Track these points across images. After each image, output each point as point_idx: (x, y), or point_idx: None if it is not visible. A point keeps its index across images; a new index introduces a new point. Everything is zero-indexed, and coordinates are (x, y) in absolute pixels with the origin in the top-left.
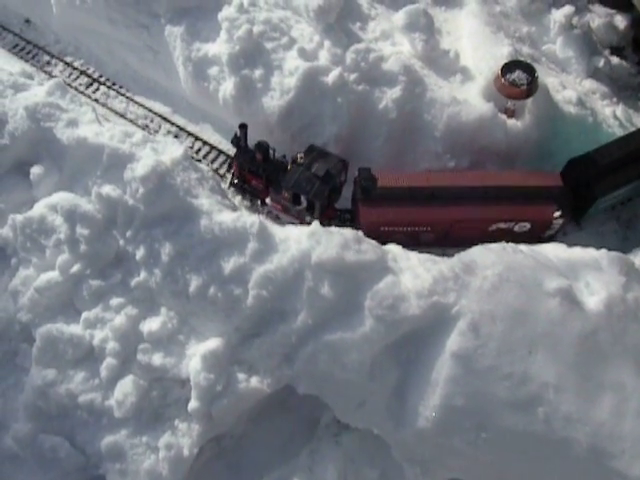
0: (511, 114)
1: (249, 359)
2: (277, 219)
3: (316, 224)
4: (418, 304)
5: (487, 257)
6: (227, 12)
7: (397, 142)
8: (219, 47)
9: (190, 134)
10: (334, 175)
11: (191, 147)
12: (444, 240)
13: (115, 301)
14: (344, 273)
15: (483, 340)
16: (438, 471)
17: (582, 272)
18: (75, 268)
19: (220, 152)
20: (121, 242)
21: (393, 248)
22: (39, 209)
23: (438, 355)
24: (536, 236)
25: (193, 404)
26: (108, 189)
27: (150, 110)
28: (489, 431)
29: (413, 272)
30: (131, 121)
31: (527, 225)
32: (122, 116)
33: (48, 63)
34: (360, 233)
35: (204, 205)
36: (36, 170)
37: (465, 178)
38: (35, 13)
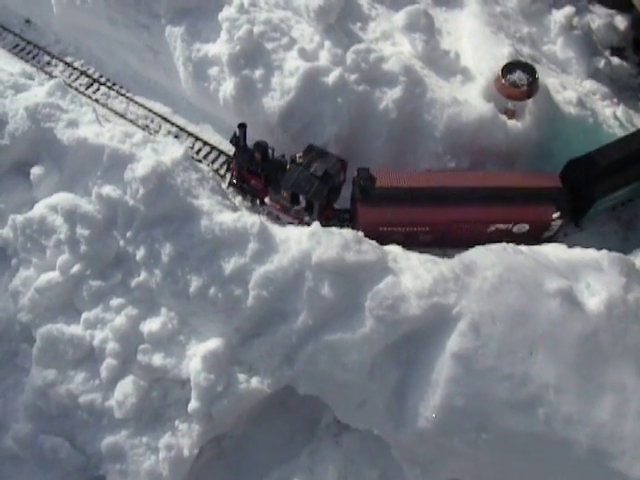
0: (511, 115)
1: (249, 359)
2: (277, 219)
3: (316, 225)
4: (418, 304)
5: (487, 258)
6: (227, 12)
7: (397, 142)
8: (219, 47)
9: (190, 134)
10: (333, 175)
11: (191, 147)
12: (442, 241)
13: (115, 301)
14: (344, 273)
15: (483, 341)
16: (438, 472)
17: (583, 273)
18: (75, 268)
19: (220, 152)
20: (121, 242)
21: (393, 248)
22: (39, 209)
23: (438, 356)
24: (534, 237)
25: (193, 404)
26: (108, 189)
27: (150, 110)
28: (489, 432)
29: (413, 272)
30: (131, 121)
31: (526, 226)
32: (122, 116)
33: (48, 63)
34: (360, 233)
35: (204, 205)
36: (36, 170)
37: (464, 179)
38: (35, 13)
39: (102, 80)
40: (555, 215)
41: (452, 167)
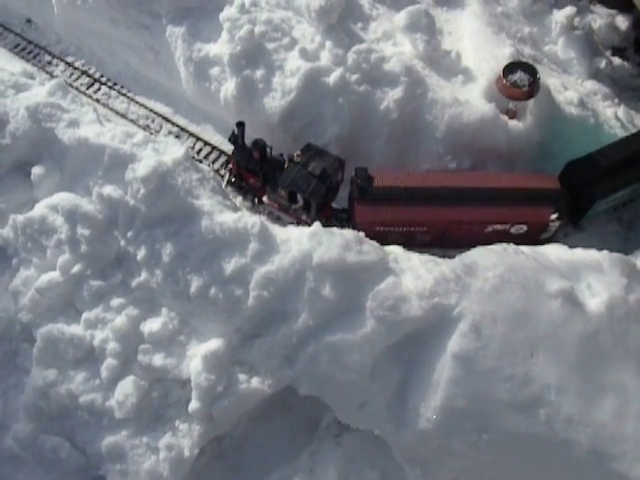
0: (512, 115)
1: (250, 360)
2: (278, 220)
3: (317, 225)
4: (419, 305)
5: (488, 258)
6: (228, 12)
7: (398, 143)
8: (220, 47)
9: (191, 134)
10: (331, 174)
11: (192, 147)
12: (440, 241)
13: (116, 301)
14: (345, 274)
15: (484, 341)
16: (439, 472)
17: (584, 273)
18: (76, 268)
19: (221, 152)
20: (122, 242)
21: (394, 249)
22: (40, 209)
23: (439, 356)
24: (532, 238)
25: (194, 405)
26: (109, 189)
27: (151, 110)
28: (490, 433)
29: (414, 273)
30: (132, 121)
31: (523, 227)
32: (123, 116)
33: (49, 63)
34: (361, 234)
35: (205, 206)
36: (37, 170)
37: (462, 179)
38: (36, 13)
39: (103, 80)
40: (553, 216)
41: (453, 167)
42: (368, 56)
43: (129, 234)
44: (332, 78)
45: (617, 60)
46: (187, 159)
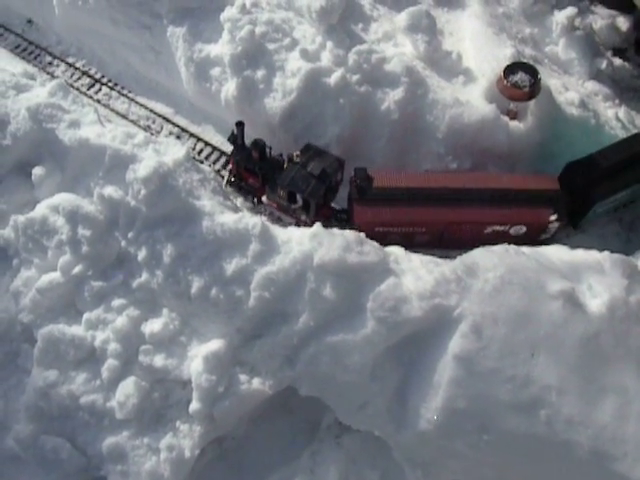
0: (513, 116)
1: (251, 360)
2: (279, 220)
3: (318, 226)
4: (420, 306)
5: (489, 259)
6: (229, 13)
7: (399, 143)
8: (221, 48)
9: (192, 135)
10: (330, 174)
11: (193, 148)
12: (439, 242)
13: (117, 302)
14: (346, 275)
15: (485, 342)
16: (440, 473)
17: (585, 274)
18: (77, 269)
19: (222, 153)
20: (123, 243)
21: (395, 250)
22: (41, 210)
23: (440, 357)
24: (532, 239)
25: (195, 405)
26: (110, 190)
27: (152, 111)
28: (491, 433)
29: (415, 274)
30: (133, 122)
31: (523, 228)
32: (124, 117)
33: (50, 64)
34: (362, 235)
35: (206, 206)
36: (38, 171)
37: (461, 180)
38: (37, 14)
39: (104, 80)
40: (552, 217)
41: (454, 168)
42: (369, 57)
43: (130, 235)
44: (333, 79)
45: (618, 61)
46: (188, 160)
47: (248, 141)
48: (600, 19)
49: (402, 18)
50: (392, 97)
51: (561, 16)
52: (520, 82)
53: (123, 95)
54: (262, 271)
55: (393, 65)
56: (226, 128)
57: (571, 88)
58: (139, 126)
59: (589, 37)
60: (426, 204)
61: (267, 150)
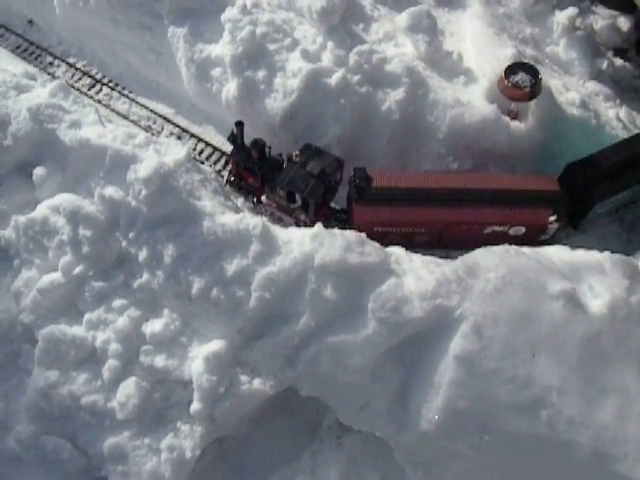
0: (514, 116)
1: (252, 361)
2: (280, 221)
3: (319, 226)
4: (421, 306)
5: (490, 260)
6: (230, 13)
7: (400, 143)
8: (222, 48)
9: (193, 135)
10: (329, 174)
11: (194, 148)
12: (438, 242)
13: (118, 302)
14: (347, 275)
15: (486, 343)
16: (441, 474)
17: (585, 275)
18: (78, 269)
19: (223, 153)
20: (124, 244)
21: (396, 250)
22: (42, 210)
23: (441, 358)
24: (531, 240)
25: (195, 406)
26: (111, 190)
27: (153, 111)
28: (492, 434)
29: (416, 274)
30: (134, 122)
31: (522, 229)
32: (125, 117)
33: (51, 64)
34: (363, 235)
35: (207, 207)
36: (39, 171)
37: (461, 180)
38: (38, 14)
39: (105, 81)
40: (552, 218)
41: (455, 168)
42: (370, 57)
43: (131, 235)
44: (334, 79)
45: (619, 61)
46: (189, 160)
47: (248, 141)
48: (601, 19)
49: (403, 18)
50: (393, 97)
51: (562, 16)
52: (521, 82)
53: (124, 95)
54: (263, 271)
55: (394, 65)
56: (227, 128)
57: (572, 88)
58: (140, 126)
59: (590, 37)
60: (425, 204)
61: (266, 150)
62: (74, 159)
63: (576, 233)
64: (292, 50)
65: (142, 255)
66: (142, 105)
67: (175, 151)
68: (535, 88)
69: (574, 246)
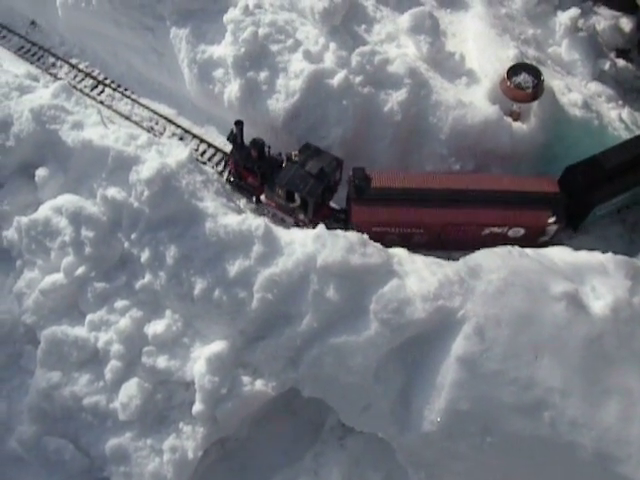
0: (516, 117)
1: (254, 362)
2: (282, 222)
3: (321, 227)
4: (423, 308)
5: (493, 261)
6: (232, 14)
7: (402, 144)
8: (224, 49)
9: (195, 136)
10: (328, 173)
11: (196, 149)
12: (437, 243)
13: (120, 303)
14: (349, 276)
15: (489, 344)
16: (443, 475)
17: (588, 276)
18: (80, 270)
19: (225, 154)
20: (126, 244)
21: (398, 251)
22: (44, 211)
23: (443, 359)
24: (530, 242)
25: (197, 407)
26: (113, 191)
27: (155, 112)
28: (495, 435)
29: (418, 275)
30: (136, 123)
31: (521, 230)
32: (127, 118)
33: (53, 65)
34: (365, 236)
35: (209, 208)
36: (41, 172)
37: (460, 181)
38: (41, 15)
39: (107, 82)
40: (551, 220)
41: (457, 169)
42: (372, 58)
43: (133, 236)
44: (336, 80)
45: (621, 62)
46: (191, 161)
47: (247, 140)
48: (603, 20)
49: (405, 19)
50: (395, 98)
51: (564, 17)
52: (523, 83)
53: (126, 96)
54: (265, 273)
55: (396, 66)
56: (229, 129)
57: (574, 89)
58: (142, 127)
59: (592, 38)
60: (424, 205)
61: (266, 149)
62: (76, 160)
63: (578, 234)
64: (294, 51)
65: (144, 256)
66: (144, 106)
67: (177, 152)
68: (537, 89)
69: (576, 247)
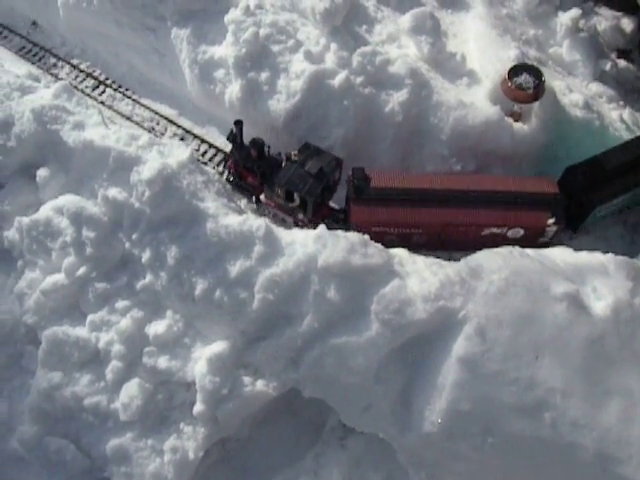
0: (517, 117)
1: (255, 362)
2: (283, 222)
3: (322, 228)
4: (424, 308)
5: (494, 261)
6: (233, 15)
7: (403, 145)
8: (225, 50)
9: (196, 137)
10: (327, 173)
11: (197, 150)
12: (436, 243)
13: (121, 304)
14: (350, 277)
15: (489, 345)
16: (444, 476)
17: (589, 277)
18: (81, 271)
19: (226, 155)
20: (127, 245)
21: (399, 252)
22: (45, 212)
23: (444, 359)
24: (529, 243)
25: (198, 407)
26: (114, 192)
27: (156, 113)
28: (495, 436)
29: (419, 276)
30: (137, 124)
31: (520, 231)
32: (128, 119)
33: (55, 65)
34: (366, 237)
35: (210, 208)
36: (42, 173)
37: (459, 181)
38: (42, 16)
39: (108, 82)
40: (550, 221)
41: (458, 170)
42: (373, 58)
43: (134, 236)
44: (337, 80)
45: (622, 62)
46: (192, 161)
47: (247, 140)
48: (604, 20)
49: (406, 20)
50: (396, 99)
51: (565, 18)
52: (524, 84)
53: (127, 97)
54: (266, 273)
55: (397, 67)
56: (230, 130)
57: (575, 90)
58: (143, 128)
59: (593, 39)
60: (423, 205)
61: (265, 149)
62: (77, 160)
63: (579, 235)
64: (295, 51)
65: (145, 256)
66: (145, 106)
67: (178, 152)
68: (538, 89)
69: (577, 248)
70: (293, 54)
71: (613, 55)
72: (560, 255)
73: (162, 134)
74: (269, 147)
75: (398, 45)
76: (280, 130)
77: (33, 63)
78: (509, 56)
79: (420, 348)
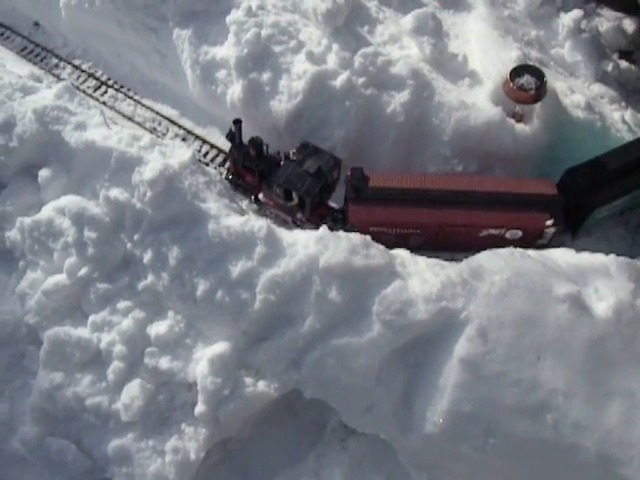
0: (519, 118)
1: (256, 363)
2: (285, 223)
3: (324, 228)
4: (426, 309)
5: (495, 262)
6: (235, 15)
7: (405, 146)
8: (227, 50)
9: (198, 137)
10: (326, 172)
11: (199, 150)
12: (434, 243)
13: (122, 304)
14: (352, 278)
15: (491, 346)
16: (445, 477)
17: (591, 278)
18: (83, 271)
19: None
20: (129, 245)
21: (401, 253)
22: (47, 212)
23: (446, 360)
24: (528, 244)
25: (200, 408)
26: (116, 192)
27: (158, 113)
28: (497, 437)
29: (421, 277)
30: (139, 124)
31: (518, 232)
32: (130, 119)
33: (56, 66)
34: (368, 238)
35: (212, 209)
36: (44, 173)
37: (458, 182)
38: (44, 16)
39: (110, 83)
40: (549, 223)
41: (459, 171)
42: (375, 59)
43: (136, 237)
44: (339, 81)
45: (624, 63)
46: (194, 162)
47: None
48: (606, 21)
49: (408, 20)
50: (398, 100)
51: (567, 18)
52: (526, 85)
53: (129, 97)
54: (268, 274)
55: (399, 68)
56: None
57: (577, 91)
58: (145, 128)
59: (595, 39)
60: (421, 205)
61: (264, 148)
62: (79, 161)
63: (581, 236)
64: (297, 52)
65: (147, 257)
66: (147, 107)
67: (180, 153)
68: (540, 90)
69: (579, 249)
70: (295, 55)
71: (615, 56)
72: (562, 256)
73: (164, 134)
74: (267, 146)
75: (400, 46)
76: (282, 131)
77: (35, 64)
78: (511, 57)
79: (422, 349)
